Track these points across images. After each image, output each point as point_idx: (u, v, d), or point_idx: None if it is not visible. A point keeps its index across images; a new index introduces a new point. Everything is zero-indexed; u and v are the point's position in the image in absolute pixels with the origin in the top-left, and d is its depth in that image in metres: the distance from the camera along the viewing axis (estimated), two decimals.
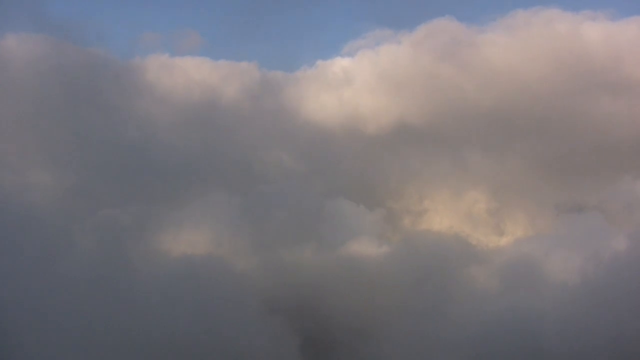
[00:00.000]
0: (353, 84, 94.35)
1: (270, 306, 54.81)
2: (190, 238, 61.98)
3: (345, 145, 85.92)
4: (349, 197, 72.66)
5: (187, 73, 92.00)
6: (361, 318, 56.44)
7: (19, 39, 79.01)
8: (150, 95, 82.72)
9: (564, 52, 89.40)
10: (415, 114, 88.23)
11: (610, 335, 48.13)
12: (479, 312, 53.26)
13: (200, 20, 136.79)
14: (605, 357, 47.49)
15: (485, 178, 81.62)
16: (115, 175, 70.58)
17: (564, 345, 49.06)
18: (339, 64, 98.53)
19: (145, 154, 74.72)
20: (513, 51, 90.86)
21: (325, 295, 58.53)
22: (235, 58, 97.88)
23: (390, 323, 54.79)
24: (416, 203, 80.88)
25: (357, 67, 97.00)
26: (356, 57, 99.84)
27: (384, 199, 79.02)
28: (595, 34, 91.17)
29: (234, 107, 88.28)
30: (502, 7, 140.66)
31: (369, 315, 56.43)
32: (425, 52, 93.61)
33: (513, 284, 56.31)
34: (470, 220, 78.24)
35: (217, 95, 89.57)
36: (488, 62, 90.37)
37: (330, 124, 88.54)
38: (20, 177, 62.07)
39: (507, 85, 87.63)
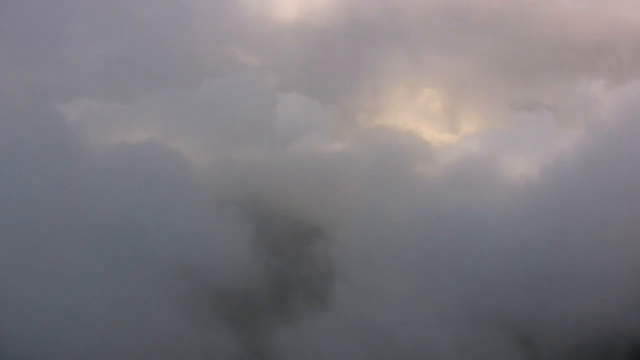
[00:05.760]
0: None
1: (222, 199, 54.38)
2: (140, 132, 60.86)
3: (298, 39, 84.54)
4: (302, 92, 72.03)
5: None
6: (311, 215, 56.45)
7: None
8: None
9: None
10: (370, 9, 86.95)
11: (551, 238, 48.65)
12: (426, 211, 53.14)
13: None
14: (546, 259, 48.07)
15: (441, 75, 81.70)
16: (64, 70, 69.56)
17: (504, 247, 49.42)
18: None
19: (93, 48, 73.60)
20: None
21: (277, 191, 58.36)
22: None
23: (341, 222, 54.53)
24: (370, 99, 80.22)
25: None
26: None
27: (338, 95, 78.18)
28: None
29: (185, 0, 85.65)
30: None
31: (319, 213, 56.39)
32: None
33: (461, 183, 56.26)
34: (424, 117, 78.33)
35: None
36: None
37: (283, 17, 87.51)
38: None
39: None
